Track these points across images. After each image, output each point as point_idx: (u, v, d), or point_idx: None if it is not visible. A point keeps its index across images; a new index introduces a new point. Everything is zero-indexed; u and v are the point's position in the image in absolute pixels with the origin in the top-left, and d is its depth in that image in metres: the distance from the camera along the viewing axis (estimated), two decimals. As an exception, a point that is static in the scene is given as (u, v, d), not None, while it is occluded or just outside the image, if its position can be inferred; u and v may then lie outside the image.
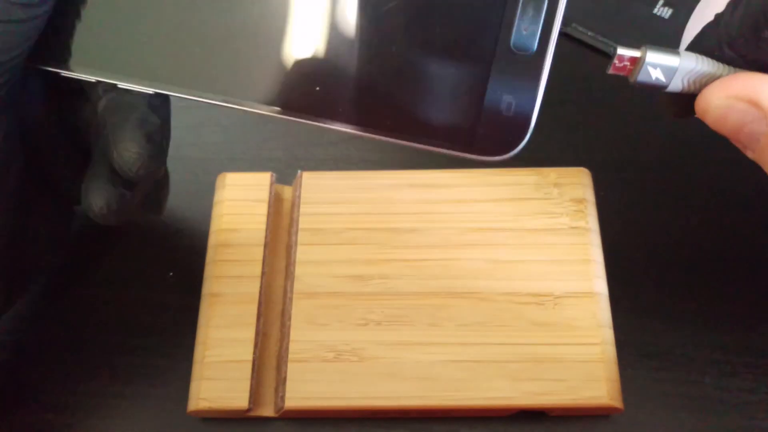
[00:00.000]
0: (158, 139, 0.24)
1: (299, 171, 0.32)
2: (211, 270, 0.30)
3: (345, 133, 0.22)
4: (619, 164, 0.34)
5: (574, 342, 0.28)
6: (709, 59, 0.20)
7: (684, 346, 0.30)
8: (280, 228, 0.31)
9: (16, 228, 0.25)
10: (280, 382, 0.28)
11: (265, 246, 0.30)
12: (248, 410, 0.27)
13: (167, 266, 0.32)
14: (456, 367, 0.27)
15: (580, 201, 0.31)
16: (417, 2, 0.21)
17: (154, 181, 0.27)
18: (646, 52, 0.20)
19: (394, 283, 0.29)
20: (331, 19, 0.22)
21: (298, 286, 0.29)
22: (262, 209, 0.31)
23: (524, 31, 0.21)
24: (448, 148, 0.21)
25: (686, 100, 0.21)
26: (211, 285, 0.29)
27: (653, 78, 0.20)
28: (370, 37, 0.22)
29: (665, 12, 0.36)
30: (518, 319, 0.28)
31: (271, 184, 0.32)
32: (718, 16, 0.20)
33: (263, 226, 0.30)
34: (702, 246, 0.32)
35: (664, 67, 0.20)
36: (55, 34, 0.22)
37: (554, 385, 0.27)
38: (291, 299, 0.29)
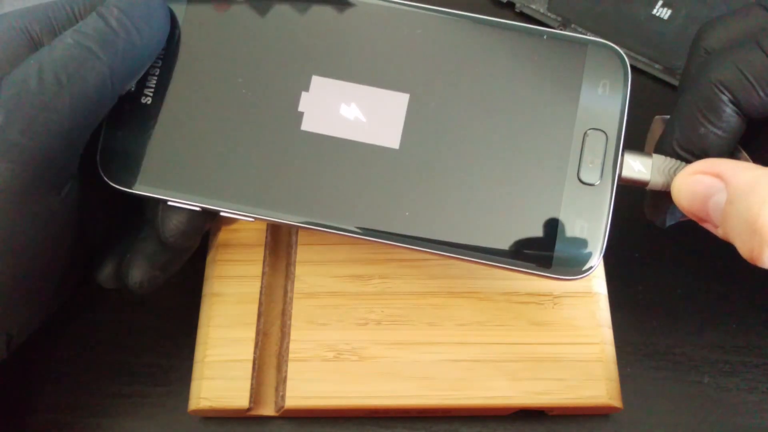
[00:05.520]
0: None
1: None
2: (211, 270, 0.30)
3: (432, 255, 0.24)
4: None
5: (574, 341, 0.28)
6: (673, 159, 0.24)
7: (684, 346, 0.30)
8: (281, 228, 0.32)
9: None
10: (281, 381, 0.28)
11: (266, 246, 0.30)
12: (249, 409, 0.28)
13: (168, 266, 0.32)
14: (455, 366, 0.27)
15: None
16: (500, 140, 0.24)
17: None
18: (625, 154, 0.24)
19: (394, 283, 0.29)
20: (424, 149, 0.24)
21: (298, 285, 0.29)
22: (263, 209, 0.31)
23: (590, 165, 0.24)
24: (528, 270, 0.24)
25: (667, 202, 0.24)
26: (212, 285, 0.29)
27: (635, 171, 0.24)
28: (459, 166, 0.24)
29: (664, 12, 0.36)
30: (518, 319, 0.28)
31: (272, 185, 0.32)
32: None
33: (264, 226, 0.31)
34: (702, 246, 0.32)
35: (641, 162, 0.24)
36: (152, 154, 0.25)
37: (554, 384, 0.27)
38: (291, 299, 0.29)
